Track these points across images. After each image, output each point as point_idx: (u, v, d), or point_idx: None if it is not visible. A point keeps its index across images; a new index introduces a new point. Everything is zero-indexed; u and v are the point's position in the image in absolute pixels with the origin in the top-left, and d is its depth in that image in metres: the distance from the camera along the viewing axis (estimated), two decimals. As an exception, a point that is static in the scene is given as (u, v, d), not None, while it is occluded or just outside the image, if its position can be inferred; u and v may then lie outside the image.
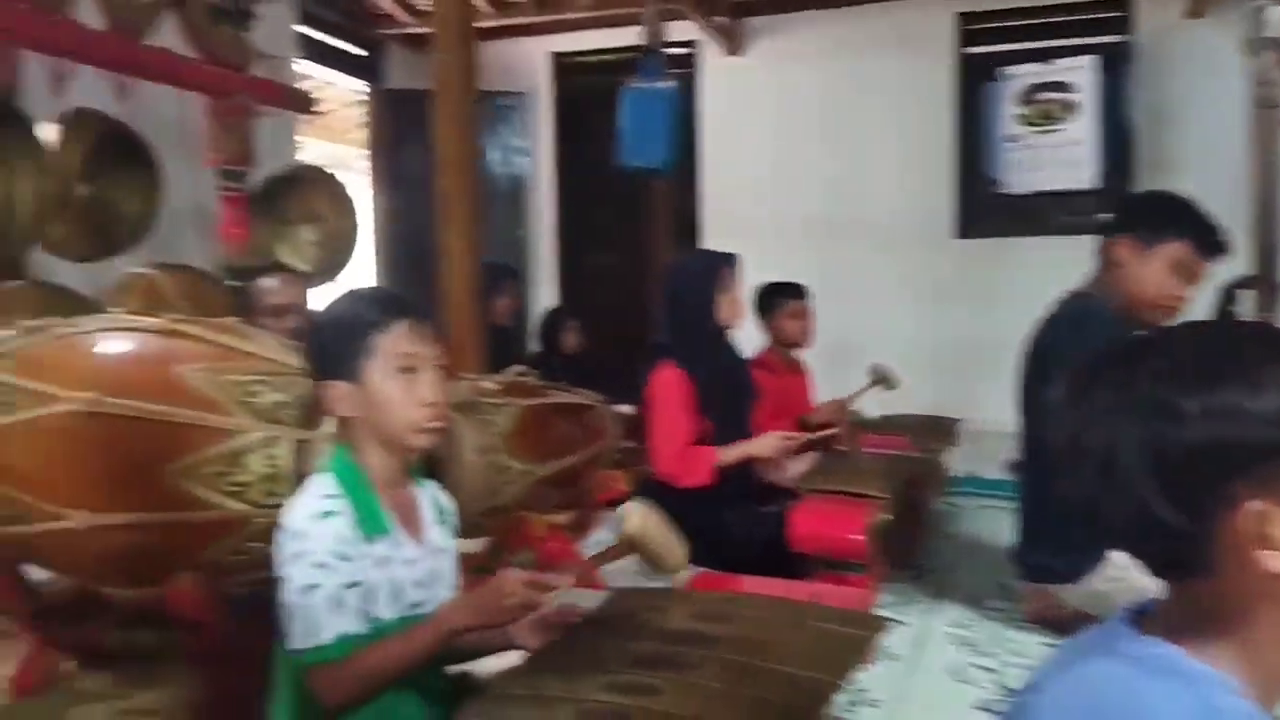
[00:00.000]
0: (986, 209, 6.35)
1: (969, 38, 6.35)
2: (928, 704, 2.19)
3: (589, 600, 1.56)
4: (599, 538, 3.39)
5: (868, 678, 2.06)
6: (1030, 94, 6.18)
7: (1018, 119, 6.21)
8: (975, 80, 6.34)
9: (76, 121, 3.38)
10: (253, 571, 1.96)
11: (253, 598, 1.98)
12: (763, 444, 2.91)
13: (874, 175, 6.49)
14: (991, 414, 5.25)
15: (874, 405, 4.06)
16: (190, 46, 3.64)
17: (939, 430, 4.00)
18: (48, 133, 3.17)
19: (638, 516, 1.45)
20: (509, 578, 1.37)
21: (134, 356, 2.03)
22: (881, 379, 3.75)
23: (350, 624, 1.38)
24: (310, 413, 1.92)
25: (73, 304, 2.94)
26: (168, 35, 3.53)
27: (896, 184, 6.44)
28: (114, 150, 3.52)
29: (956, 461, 4.02)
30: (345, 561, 1.40)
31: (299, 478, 1.87)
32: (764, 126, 6.71)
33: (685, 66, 6.73)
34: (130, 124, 3.48)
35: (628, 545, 1.45)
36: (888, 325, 6.32)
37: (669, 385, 2.93)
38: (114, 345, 2.05)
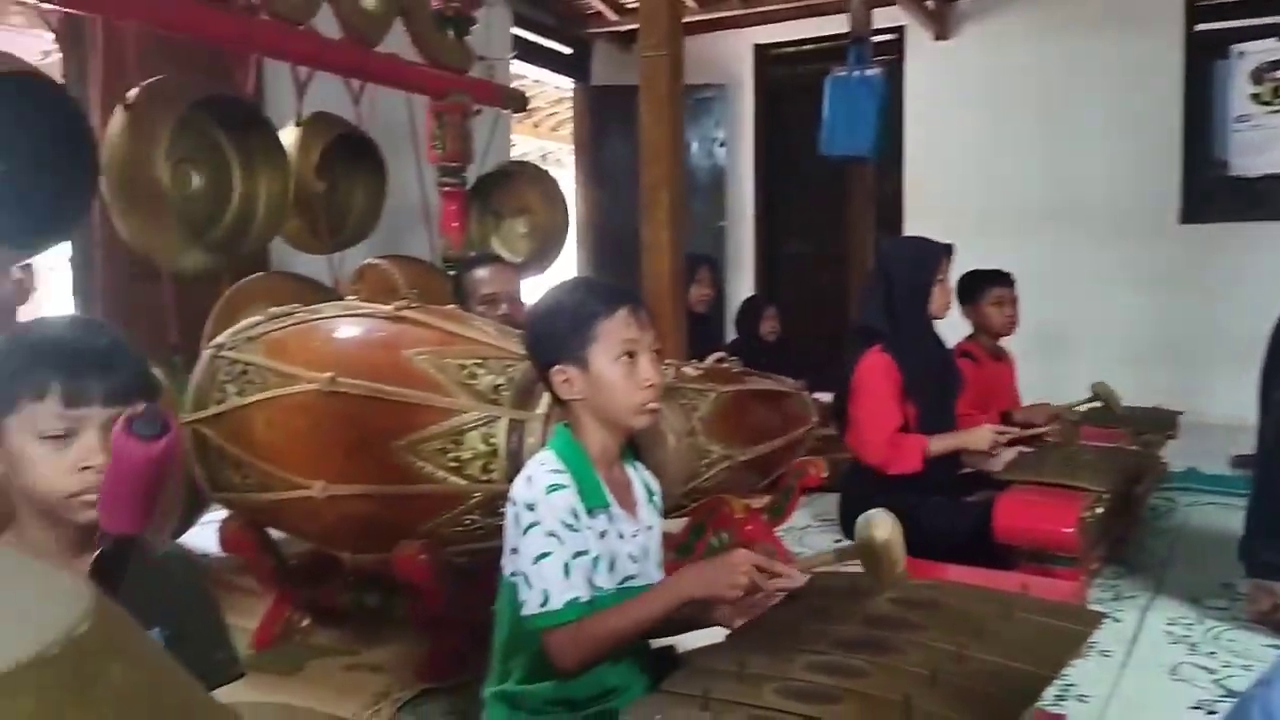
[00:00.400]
0: (1215, 193, 5.93)
1: (1198, 14, 5.93)
2: (1140, 702, 2.10)
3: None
4: (793, 523, 3.40)
5: (1076, 673, 2.00)
6: (1264, 71, 5.73)
7: (1250, 98, 5.77)
8: (1204, 58, 5.91)
9: (314, 124, 3.68)
10: (470, 542, 2.09)
11: (470, 566, 2.12)
12: (976, 436, 2.84)
13: (1092, 159, 6.16)
14: (1216, 407, 4.95)
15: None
16: (416, 52, 3.89)
17: (1158, 423, 3.83)
18: (288, 135, 3.46)
19: (888, 526, 1.41)
20: (742, 555, 1.41)
21: (367, 340, 2.20)
22: (1102, 399, 3.56)
23: (579, 590, 1.45)
24: (524, 394, 2.02)
25: (312, 292, 3.20)
26: (394, 41, 3.78)
27: (1117, 168, 6.09)
28: (347, 150, 3.80)
29: (1176, 455, 3.86)
30: (573, 532, 1.47)
31: (513, 456, 1.98)
32: (972, 111, 6.48)
33: (890, 53, 6.57)
34: (362, 126, 3.74)
35: (867, 553, 1.41)
36: (1105, 315, 6.00)
37: (878, 371, 2.88)
38: (349, 330, 2.23)
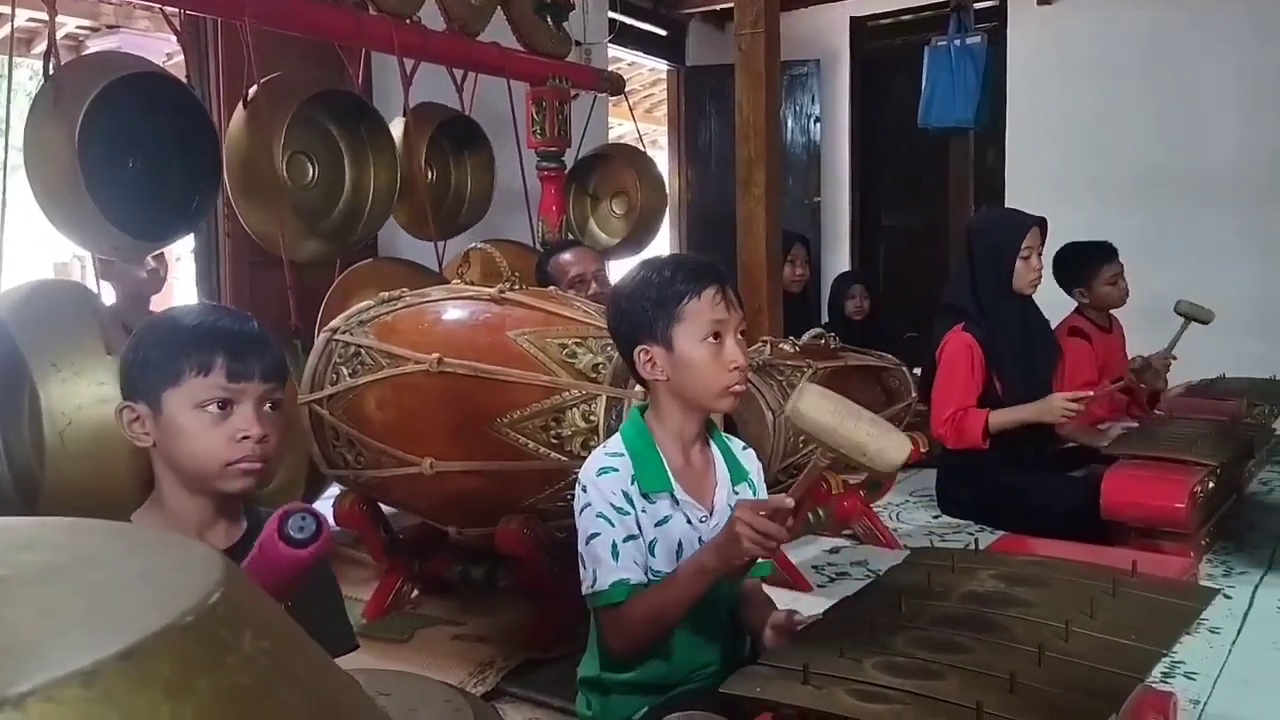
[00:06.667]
0: (1339, 157, 5.58)
1: (1332, -33, 5.55)
2: (1251, 679, 2.04)
3: (886, 560, 1.55)
4: (891, 499, 3.38)
5: (1184, 650, 1.95)
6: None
7: (1382, 57, 5.37)
8: (1330, 13, 5.54)
9: (420, 113, 3.78)
10: (570, 517, 2.14)
11: (571, 540, 2.18)
12: (1043, 408, 2.79)
13: (1208, 124, 5.87)
14: None
15: (1206, 369, 3.82)
16: (515, 39, 3.96)
17: (1272, 394, 3.70)
18: (396, 126, 3.57)
19: (795, 393, 1.29)
20: (738, 510, 1.36)
21: (471, 322, 2.27)
22: (1193, 315, 3.43)
23: (627, 573, 1.44)
24: (623, 372, 2.06)
25: (419, 276, 3.31)
26: (494, 30, 3.86)
27: (1233, 131, 5.80)
28: (455, 138, 3.90)
29: None
30: (623, 515, 1.46)
31: (611, 432, 2.02)
32: (1079, 77, 6.22)
33: (992, 20, 6.38)
34: (467, 113, 3.84)
35: (812, 436, 1.32)
36: (1220, 284, 5.69)
37: (957, 349, 2.89)
38: (454, 313, 2.31)
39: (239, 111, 2.94)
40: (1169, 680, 1.97)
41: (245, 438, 1.23)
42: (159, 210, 2.64)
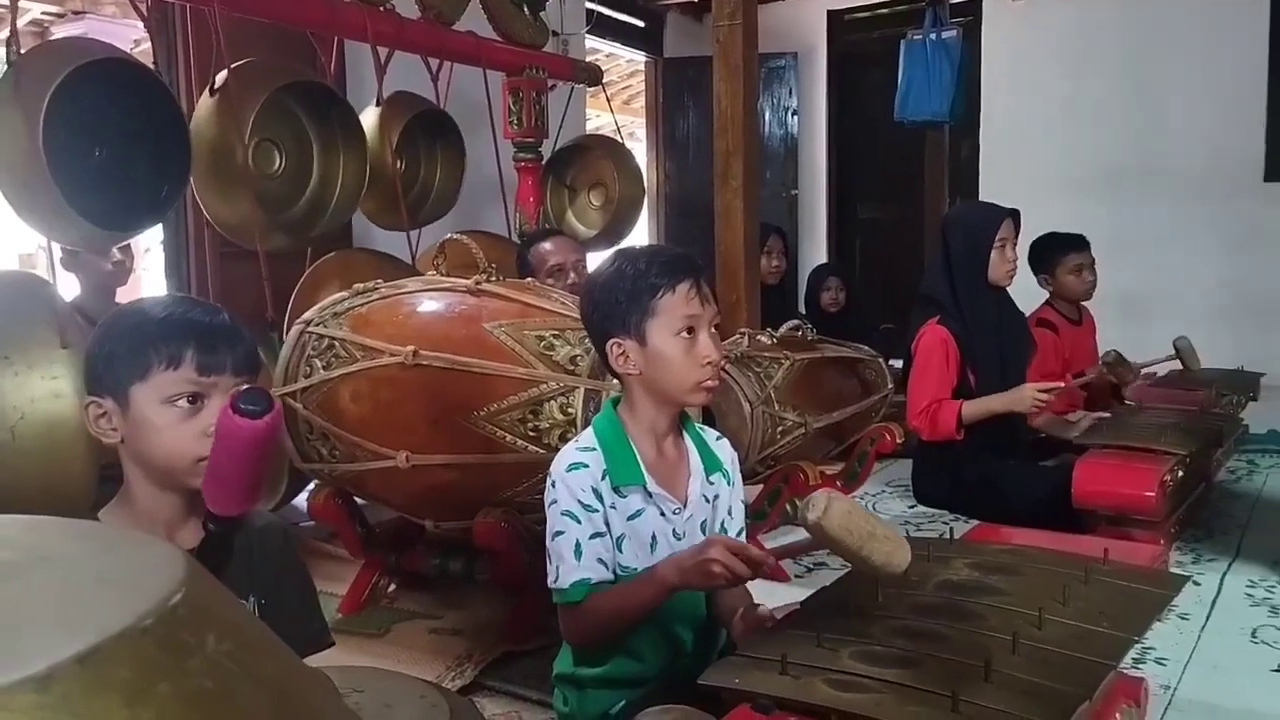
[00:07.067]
0: (1300, 152, 5.70)
1: (1287, -31, 5.66)
2: (1219, 664, 2.07)
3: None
4: (868, 489, 3.39)
5: (1155, 636, 1.98)
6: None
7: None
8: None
9: (393, 104, 3.73)
10: (548, 511, 2.14)
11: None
12: (1015, 398, 2.84)
13: (1174, 118, 5.98)
14: None
15: (1175, 361, 3.87)
16: (492, 28, 3.93)
17: (1239, 384, 3.80)
18: (369, 116, 3.53)
19: (820, 507, 1.29)
20: (716, 544, 1.36)
21: (447, 314, 2.25)
22: (1183, 357, 3.53)
23: (589, 572, 1.43)
24: (602, 365, 2.05)
25: (391, 268, 3.28)
26: (470, 19, 3.82)
27: (1200, 127, 5.91)
28: (428, 128, 3.87)
29: (1257, 418, 3.82)
30: (590, 512, 1.45)
31: (589, 425, 2.01)
32: (1051, 72, 6.31)
33: (966, 15, 6.41)
34: (440, 104, 3.80)
35: (821, 539, 1.34)
36: (1186, 276, 5.88)
37: (932, 342, 2.92)
38: (430, 304, 2.29)
39: (205, 98, 2.89)
40: (1140, 666, 1.99)
41: None
42: (126, 200, 2.59)
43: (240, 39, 2.98)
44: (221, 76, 2.85)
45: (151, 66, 2.75)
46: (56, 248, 2.55)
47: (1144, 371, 3.64)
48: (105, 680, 0.32)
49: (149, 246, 5.03)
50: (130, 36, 4.90)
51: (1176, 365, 3.70)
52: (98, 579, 0.39)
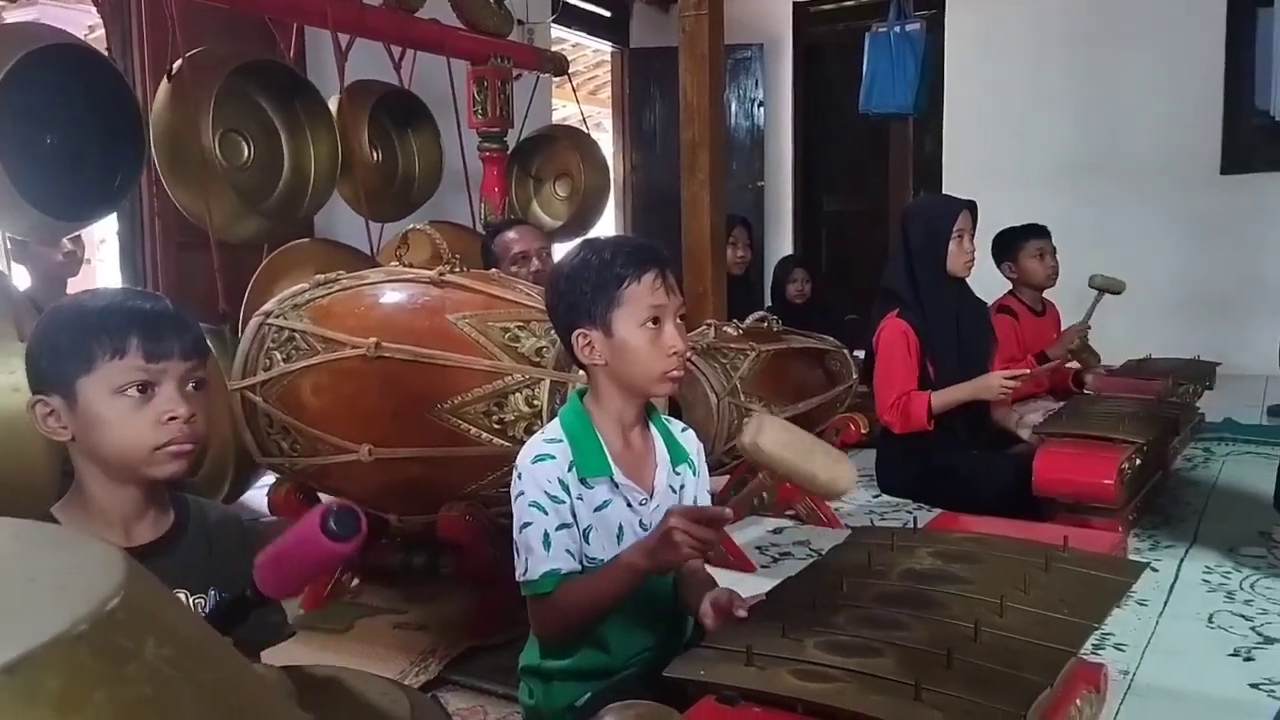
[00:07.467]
0: (1257, 143, 5.80)
1: (1242, -37, 5.74)
2: (1177, 649, 2.09)
3: (828, 539, 1.56)
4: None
5: (1114, 622, 2.00)
6: (1308, 20, 5.50)
7: (1296, 46, 5.57)
8: (1248, 5, 5.73)
9: (357, 90, 3.69)
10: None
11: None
12: (981, 385, 2.86)
13: (1132, 110, 6.05)
14: (1253, 359, 4.87)
15: (1132, 350, 3.99)
16: (456, 16, 3.89)
17: (1196, 374, 3.86)
18: (333, 103, 3.48)
19: (752, 429, 1.30)
20: (672, 514, 1.35)
21: (410, 306, 2.22)
22: (1106, 287, 3.62)
23: (559, 563, 1.42)
24: (566, 356, 2.04)
25: (350, 258, 3.23)
26: (434, 6, 3.78)
27: (1157, 119, 5.98)
28: (397, 116, 3.83)
29: (1213, 406, 3.90)
30: (557, 504, 1.44)
31: (555, 417, 2.00)
32: (1013, 64, 6.36)
33: (930, 7, 6.45)
34: (407, 91, 3.76)
35: (759, 463, 1.34)
36: (1144, 267, 5.90)
37: (893, 335, 2.93)
38: (393, 296, 2.26)
39: (163, 86, 2.84)
40: (1099, 652, 2.01)
41: (172, 418, 1.16)
42: (78, 189, 2.53)
43: (197, 26, 2.92)
44: (177, 64, 2.79)
45: (105, 53, 2.70)
46: (6, 238, 2.49)
47: (1089, 325, 3.69)
48: (36, 690, 0.30)
49: (104, 237, 4.93)
50: (84, 22, 4.81)
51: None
52: (29, 582, 0.37)
